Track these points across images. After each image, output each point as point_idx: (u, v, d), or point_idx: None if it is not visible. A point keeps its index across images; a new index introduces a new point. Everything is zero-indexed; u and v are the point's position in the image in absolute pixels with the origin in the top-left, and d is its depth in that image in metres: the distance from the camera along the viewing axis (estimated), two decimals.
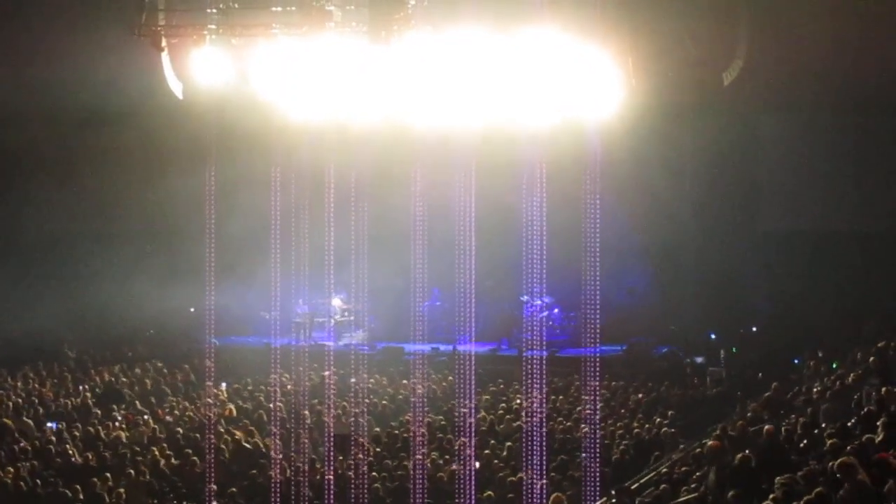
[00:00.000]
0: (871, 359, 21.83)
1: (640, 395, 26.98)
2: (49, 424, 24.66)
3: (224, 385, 27.99)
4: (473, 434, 21.21)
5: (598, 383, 22.27)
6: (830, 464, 14.30)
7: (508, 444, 22.16)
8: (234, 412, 25.43)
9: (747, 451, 17.00)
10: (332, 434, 21.79)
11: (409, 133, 22.26)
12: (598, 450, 20.19)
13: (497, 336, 33.76)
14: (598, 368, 22.05)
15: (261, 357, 28.18)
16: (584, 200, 22.38)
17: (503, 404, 25.72)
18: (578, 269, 23.00)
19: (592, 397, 21.84)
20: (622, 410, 25.72)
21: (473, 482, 19.44)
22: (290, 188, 23.36)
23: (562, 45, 20.26)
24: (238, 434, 23.31)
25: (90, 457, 21.92)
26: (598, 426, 21.51)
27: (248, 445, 22.56)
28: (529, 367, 21.70)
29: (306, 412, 23.74)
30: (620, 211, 31.49)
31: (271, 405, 24.40)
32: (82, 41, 29.72)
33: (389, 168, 25.49)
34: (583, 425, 22.44)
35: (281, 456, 21.34)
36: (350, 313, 33.24)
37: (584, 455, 20.23)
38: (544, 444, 20.20)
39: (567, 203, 23.02)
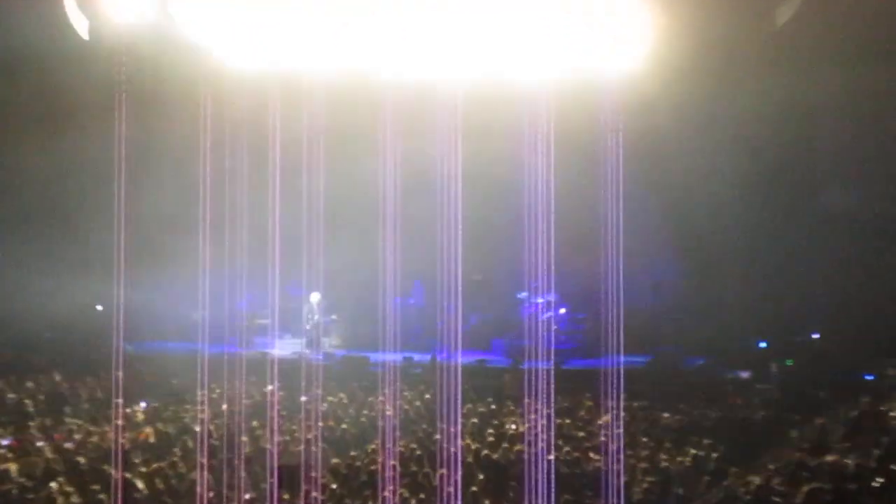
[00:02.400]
0: None
1: (668, 419, 27.06)
2: None
3: (143, 404, 27.94)
4: (457, 467, 21.22)
5: (614, 403, 22.26)
6: None
7: (501, 478, 22.17)
8: (152, 437, 25.39)
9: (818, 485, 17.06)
10: (276, 466, 21.78)
11: (377, 86, 22.22)
12: (615, 488, 20.21)
13: (486, 343, 33.84)
14: (615, 385, 22.05)
15: (187, 368, 28.10)
16: (600, 175, 22.35)
17: (494, 429, 25.76)
18: (592, 260, 22.98)
19: (608, 421, 21.84)
20: (645, 438, 25.77)
21: None
22: (223, 153, 23.33)
23: None
24: (157, 465, 23.27)
25: None
26: (615, 458, 21.53)
27: (169, 480, 22.52)
28: (528, 382, 21.72)
29: (244, 438, 23.71)
30: (645, 189, 31.55)
31: (199, 429, 24.33)
32: None
33: (352, 129, 25.50)
34: (595, 456, 22.45)
35: (211, 494, 21.28)
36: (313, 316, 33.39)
37: (596, 495, 20.26)
38: (547, 480, 20.21)
39: (578, 178, 22.98)
